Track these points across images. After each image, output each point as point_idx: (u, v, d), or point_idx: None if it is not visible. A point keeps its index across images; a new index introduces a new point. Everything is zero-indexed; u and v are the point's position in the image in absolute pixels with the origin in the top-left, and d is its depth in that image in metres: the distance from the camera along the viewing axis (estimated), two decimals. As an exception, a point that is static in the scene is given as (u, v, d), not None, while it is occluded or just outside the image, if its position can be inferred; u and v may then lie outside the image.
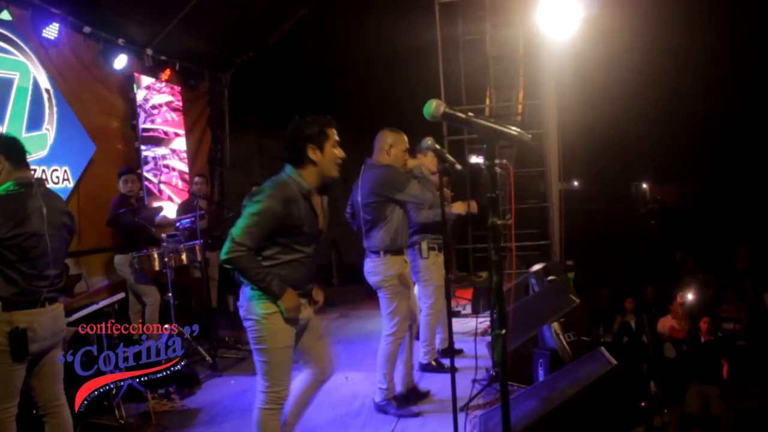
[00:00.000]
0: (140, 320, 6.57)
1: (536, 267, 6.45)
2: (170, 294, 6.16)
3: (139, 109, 8.08)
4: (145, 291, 6.46)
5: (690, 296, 9.56)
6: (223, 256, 3.18)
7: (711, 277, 11.95)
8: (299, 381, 3.58)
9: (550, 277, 6.08)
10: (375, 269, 4.55)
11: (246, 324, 3.33)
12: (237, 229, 3.17)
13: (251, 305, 3.28)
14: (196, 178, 8.12)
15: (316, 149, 3.28)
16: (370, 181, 4.53)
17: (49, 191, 3.68)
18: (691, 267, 12.84)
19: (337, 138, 3.35)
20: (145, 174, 8.12)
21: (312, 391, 3.60)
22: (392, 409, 4.57)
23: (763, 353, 9.96)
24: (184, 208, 7.81)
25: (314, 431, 4.36)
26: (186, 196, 8.50)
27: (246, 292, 3.32)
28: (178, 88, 8.97)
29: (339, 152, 3.36)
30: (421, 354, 5.56)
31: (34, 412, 3.62)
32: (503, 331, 2.21)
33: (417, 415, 4.53)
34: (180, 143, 9.01)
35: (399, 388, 4.79)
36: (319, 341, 3.55)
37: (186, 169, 9.06)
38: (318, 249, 3.44)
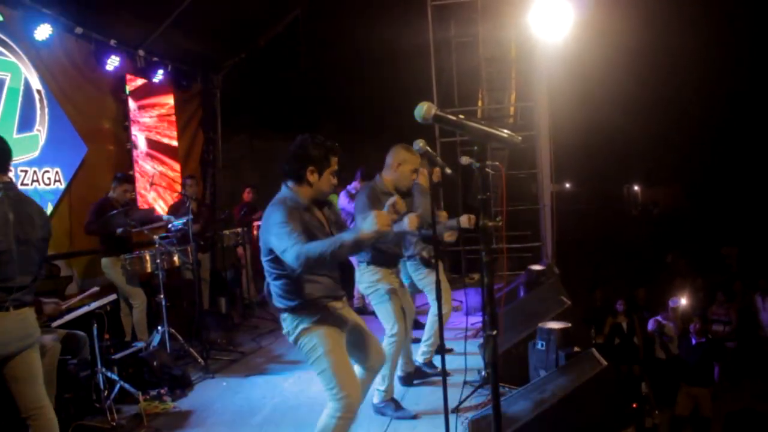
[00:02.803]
0: (131, 323, 6.57)
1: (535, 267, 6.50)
2: (162, 296, 6.15)
3: (130, 111, 8.06)
4: (133, 293, 6.44)
5: (683, 301, 9.59)
6: (297, 267, 3.08)
7: (702, 279, 12.00)
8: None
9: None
10: (361, 277, 4.70)
11: (299, 344, 3.39)
12: (283, 247, 3.12)
13: (294, 326, 3.37)
14: (188, 180, 8.10)
15: (315, 172, 3.35)
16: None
17: (21, 196, 3.60)
18: (682, 269, 12.88)
19: (336, 167, 3.41)
20: (137, 175, 8.10)
21: (364, 384, 3.68)
22: (390, 411, 4.59)
23: (752, 355, 10.02)
24: (175, 210, 7.79)
25: (307, 429, 4.35)
26: (177, 197, 8.50)
27: (286, 318, 3.39)
28: (170, 89, 8.96)
29: (334, 181, 3.43)
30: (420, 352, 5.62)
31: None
32: (494, 333, 2.22)
33: (414, 417, 4.54)
34: (172, 144, 9.00)
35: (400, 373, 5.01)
36: (364, 335, 3.63)
37: (178, 170, 9.05)
38: None
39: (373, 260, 4.63)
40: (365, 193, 4.61)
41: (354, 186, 7.74)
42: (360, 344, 3.60)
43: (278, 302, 3.41)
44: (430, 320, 5.40)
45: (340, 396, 3.27)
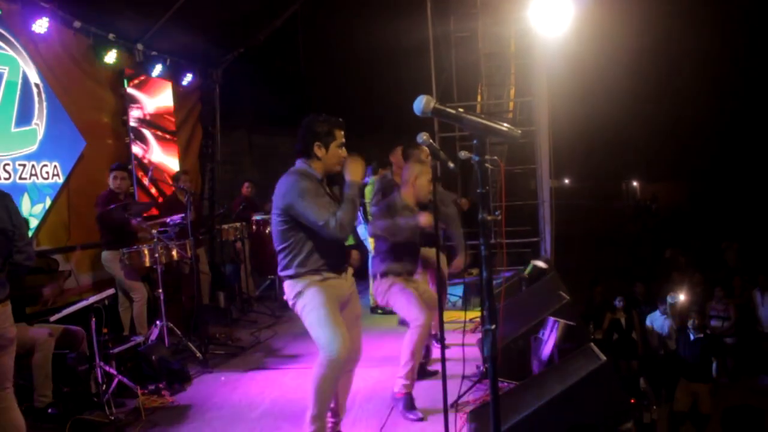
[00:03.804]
0: (130, 317, 6.56)
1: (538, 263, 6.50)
2: (160, 290, 6.14)
3: (129, 106, 8.05)
4: (133, 287, 6.44)
5: (682, 297, 9.59)
6: (338, 234, 3.47)
7: (700, 274, 11.99)
8: None
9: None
10: (377, 290, 4.77)
11: (298, 302, 3.62)
12: (312, 216, 3.46)
13: (293, 288, 3.61)
14: (182, 175, 8.08)
15: (322, 147, 3.63)
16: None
17: None
18: (681, 264, 12.88)
19: (343, 140, 3.68)
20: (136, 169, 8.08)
21: (343, 381, 3.84)
22: (402, 406, 4.57)
23: (751, 350, 10.03)
24: (168, 204, 7.76)
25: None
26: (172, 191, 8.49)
27: (288, 284, 3.65)
28: (168, 84, 8.94)
29: (342, 152, 3.68)
30: None
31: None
32: (493, 327, 2.22)
33: (421, 419, 4.48)
34: (170, 138, 8.98)
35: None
36: (353, 324, 3.80)
37: (176, 164, 9.03)
38: None
39: (387, 272, 4.67)
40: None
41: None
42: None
43: (282, 270, 3.64)
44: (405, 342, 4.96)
45: (326, 344, 3.48)
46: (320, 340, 3.51)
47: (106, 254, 6.45)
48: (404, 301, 4.57)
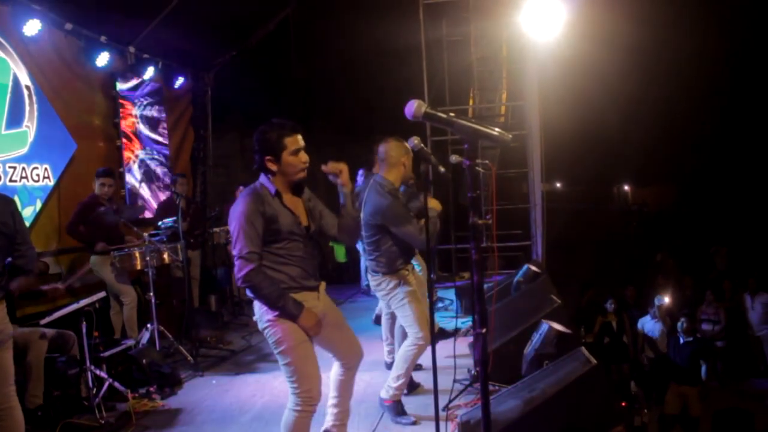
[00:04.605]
0: (121, 320, 6.54)
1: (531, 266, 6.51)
2: (152, 293, 6.13)
3: (121, 109, 8.03)
4: (123, 290, 6.41)
5: (666, 299, 9.65)
6: (238, 276, 3.23)
7: (690, 278, 12.05)
8: (333, 374, 3.66)
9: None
10: (378, 287, 4.61)
11: (265, 333, 3.36)
12: (235, 245, 3.23)
13: (263, 313, 3.33)
14: (178, 178, 8.07)
15: (273, 160, 3.30)
16: (371, 206, 4.51)
17: None
18: (671, 268, 12.94)
19: (298, 145, 3.31)
20: (127, 173, 8.07)
21: (346, 382, 3.66)
22: (392, 413, 4.56)
23: (741, 354, 10.08)
24: (164, 208, 7.76)
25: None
26: (166, 194, 8.48)
27: (257, 304, 3.35)
28: (160, 86, 8.93)
29: (300, 158, 3.33)
30: (385, 353, 5.62)
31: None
32: (484, 331, 2.23)
33: (414, 423, 4.48)
34: (162, 141, 8.96)
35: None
36: (339, 331, 3.59)
37: (167, 167, 9.01)
38: (309, 246, 3.45)
39: (388, 269, 4.55)
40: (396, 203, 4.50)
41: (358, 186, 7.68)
42: (334, 339, 3.55)
43: (247, 290, 3.37)
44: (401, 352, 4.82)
45: (299, 390, 3.29)
46: (293, 385, 3.34)
47: (94, 258, 6.41)
48: (409, 313, 4.50)
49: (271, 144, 3.28)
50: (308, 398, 3.29)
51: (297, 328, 3.29)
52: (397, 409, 4.55)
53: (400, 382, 4.54)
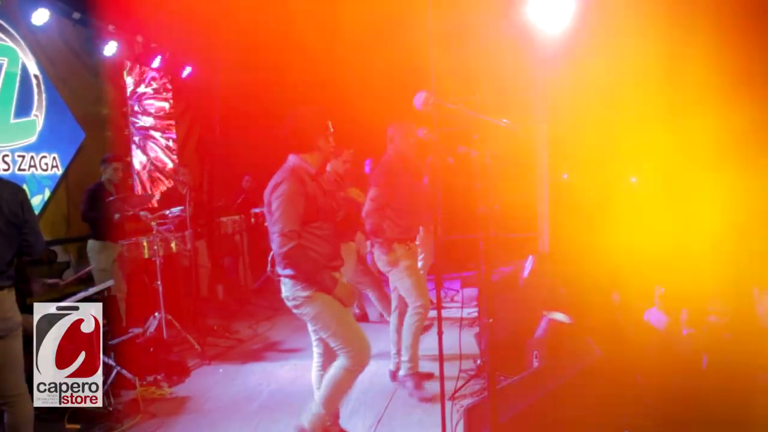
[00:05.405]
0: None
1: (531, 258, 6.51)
2: (159, 282, 6.15)
3: (128, 98, 8.04)
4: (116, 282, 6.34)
5: (663, 289, 9.60)
6: (278, 252, 3.34)
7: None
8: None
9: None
10: (379, 258, 4.74)
11: (299, 311, 3.50)
12: (277, 222, 3.34)
13: (295, 292, 3.46)
14: (182, 168, 8.07)
15: (324, 138, 3.55)
16: None
17: None
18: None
19: (331, 129, 3.61)
20: (134, 161, 8.09)
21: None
22: (410, 385, 4.65)
23: (746, 346, 10.05)
24: (168, 198, 7.76)
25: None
26: (172, 184, 8.50)
27: (286, 283, 3.49)
28: (168, 76, 8.94)
29: (333, 142, 3.63)
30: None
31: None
32: (490, 321, 2.24)
33: (429, 400, 4.55)
34: (169, 131, 8.98)
35: (391, 367, 5.03)
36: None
37: (174, 157, 9.03)
38: (333, 227, 3.64)
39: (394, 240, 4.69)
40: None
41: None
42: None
43: (280, 268, 3.51)
44: (405, 326, 4.91)
45: (351, 352, 3.45)
46: (342, 350, 3.50)
47: (92, 243, 6.21)
48: (409, 283, 4.65)
49: (323, 124, 3.56)
50: (361, 357, 3.46)
51: (333, 300, 3.46)
52: (415, 381, 4.66)
53: (410, 353, 4.67)
